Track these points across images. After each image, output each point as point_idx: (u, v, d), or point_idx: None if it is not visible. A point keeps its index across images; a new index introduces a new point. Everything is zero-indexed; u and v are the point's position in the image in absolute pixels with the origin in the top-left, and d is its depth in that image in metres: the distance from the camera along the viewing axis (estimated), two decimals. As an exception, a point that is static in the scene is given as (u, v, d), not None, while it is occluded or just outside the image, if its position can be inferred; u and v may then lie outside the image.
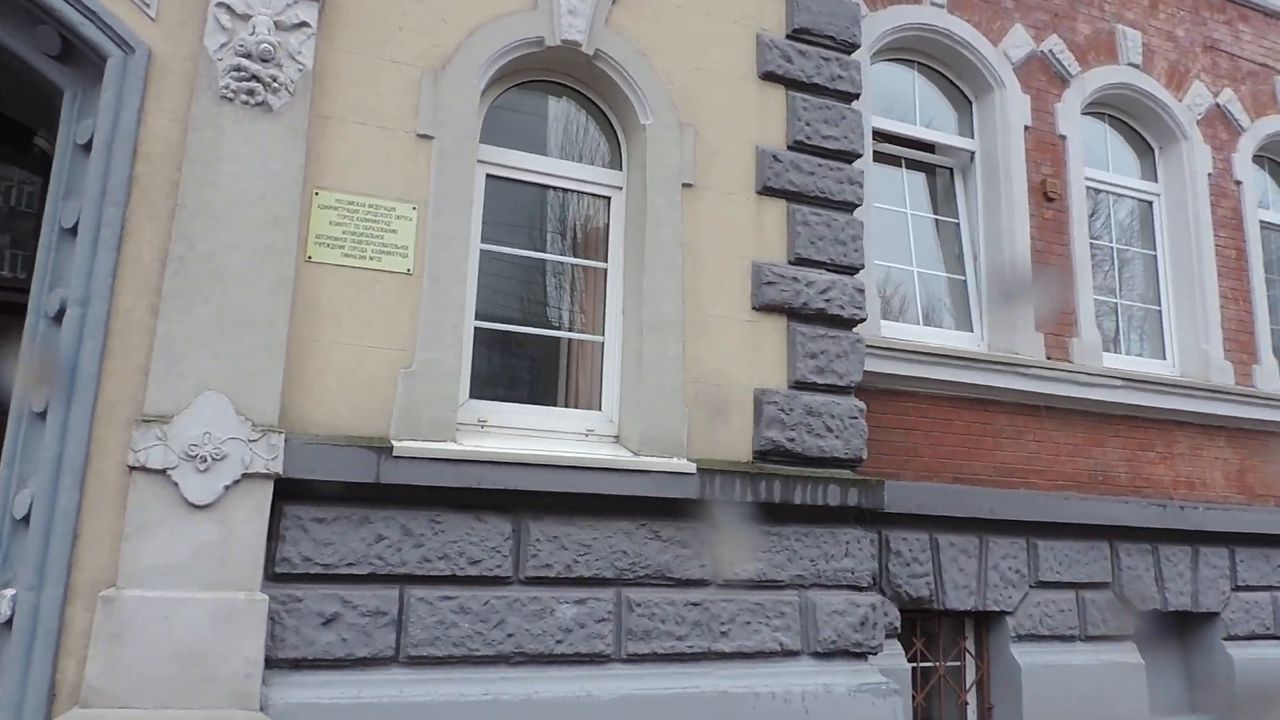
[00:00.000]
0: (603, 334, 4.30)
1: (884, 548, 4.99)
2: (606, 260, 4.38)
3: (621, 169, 4.47)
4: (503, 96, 4.33)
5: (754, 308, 4.34)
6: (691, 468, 3.96)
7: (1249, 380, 6.41)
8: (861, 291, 4.58)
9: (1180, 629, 5.99)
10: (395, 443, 3.50)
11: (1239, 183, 6.78)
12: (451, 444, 3.62)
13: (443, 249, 3.81)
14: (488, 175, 4.22)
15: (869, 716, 4.08)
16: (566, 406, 4.23)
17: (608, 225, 4.42)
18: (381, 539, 3.48)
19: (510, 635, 3.59)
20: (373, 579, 3.44)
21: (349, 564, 3.41)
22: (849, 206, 4.66)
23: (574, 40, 4.16)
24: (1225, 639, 5.91)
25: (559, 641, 3.66)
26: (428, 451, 3.54)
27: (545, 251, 4.43)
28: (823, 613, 4.16)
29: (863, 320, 4.59)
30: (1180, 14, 6.85)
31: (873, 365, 4.93)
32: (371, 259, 3.71)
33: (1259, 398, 6.34)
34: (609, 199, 4.44)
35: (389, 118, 3.83)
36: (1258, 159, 7.09)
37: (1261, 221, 6.96)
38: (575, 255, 4.45)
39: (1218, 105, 6.81)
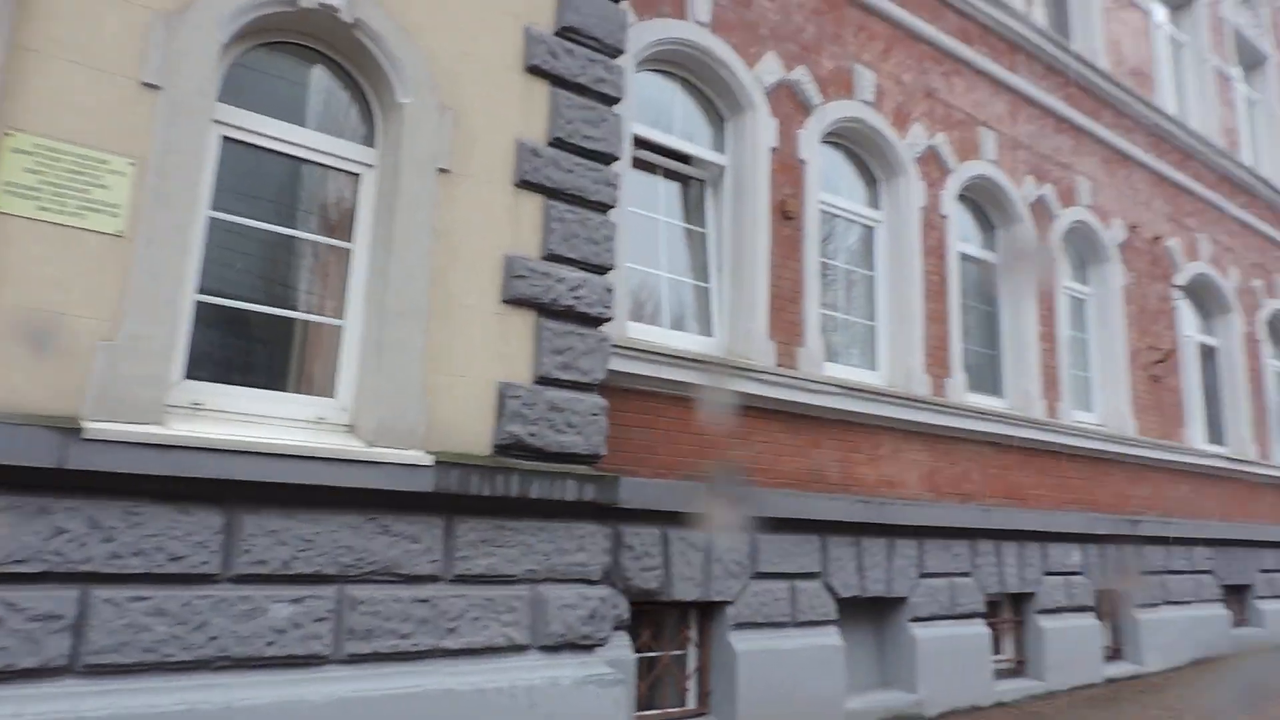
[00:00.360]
0: (343, 318, 4.09)
1: (618, 542, 5.14)
2: (352, 240, 4.17)
3: (375, 147, 4.27)
4: (249, 55, 4.00)
5: (504, 300, 4.31)
6: (428, 460, 3.87)
7: (943, 392, 7.24)
8: (611, 291, 4.68)
9: (875, 613, 6.66)
10: (87, 424, 3.13)
11: (945, 217, 7.64)
12: (156, 427, 3.29)
13: (162, 212, 3.46)
14: (224, 137, 3.88)
15: (592, 707, 4.19)
16: (297, 392, 3.98)
17: (356, 204, 4.21)
18: (62, 532, 3.09)
19: (214, 638, 3.32)
20: (47, 578, 3.05)
21: (18, 561, 3.00)
22: (604, 207, 4.74)
23: (332, 5, 3.93)
24: (911, 620, 6.64)
25: (270, 644, 3.44)
26: (127, 435, 3.19)
27: (285, 226, 4.13)
28: (553, 606, 4.21)
29: (610, 320, 4.69)
30: (908, 61, 7.60)
31: (618, 365, 5.07)
32: (74, 215, 3.30)
33: (950, 407, 7.18)
34: (359, 176, 4.23)
35: (109, 61, 3.42)
36: (962, 197, 8.01)
37: (961, 253, 7.89)
38: (318, 233, 4.20)
39: (932, 147, 7.63)
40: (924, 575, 6.80)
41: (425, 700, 3.72)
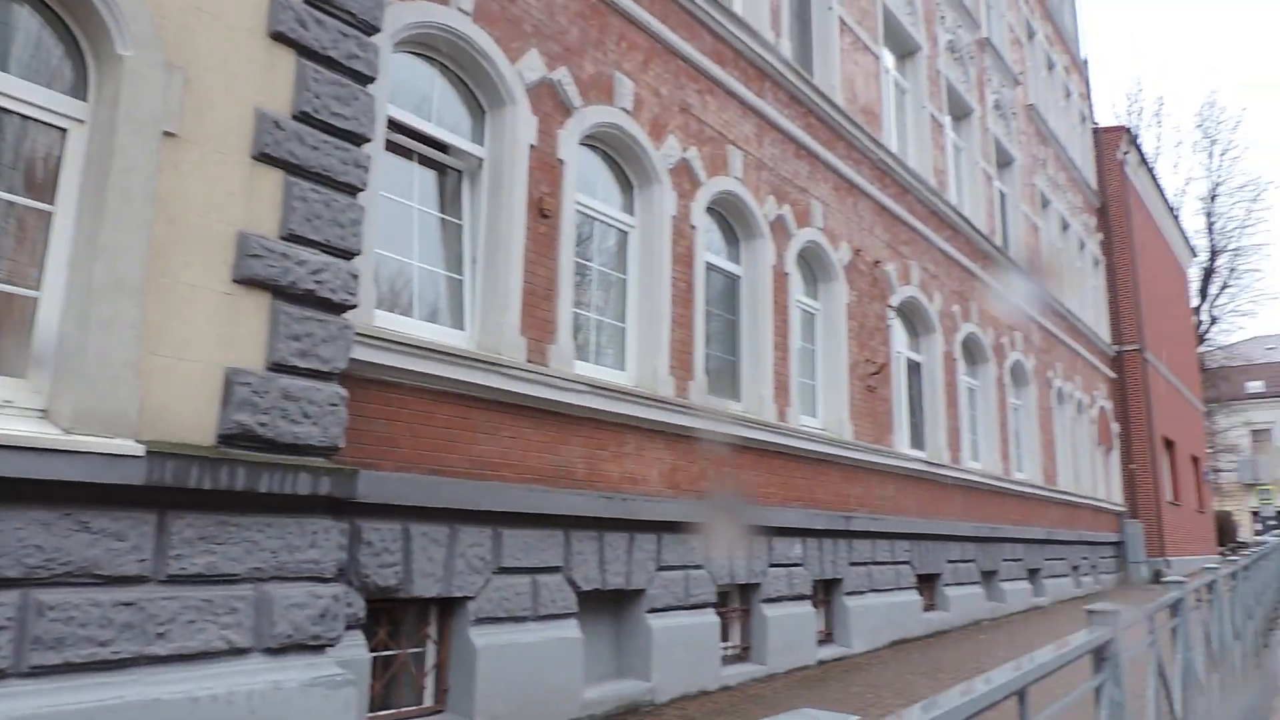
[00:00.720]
0: (39, 289, 3.63)
1: (355, 538, 4.95)
2: (55, 203, 3.72)
3: (87, 100, 3.83)
4: (-76, -23, 3.46)
5: (235, 280, 4.02)
6: (139, 450, 3.53)
7: (686, 393, 7.62)
8: (356, 277, 4.50)
9: (615, 605, 6.87)
10: None
11: (694, 227, 8.04)
12: None
13: None
14: (-110, 70, 3.33)
15: (320, 709, 4.00)
16: (-22, 370, 3.50)
17: (62, 162, 3.76)
18: None
19: None
20: None
21: None
22: (352, 190, 4.55)
23: (34, -67, 3.49)
24: (648, 611, 6.92)
25: (-71, 656, 3.00)
26: None
27: (-32, 179, 3.61)
28: (280, 606, 3.98)
29: (354, 307, 4.51)
30: (665, 75, 7.93)
31: (362, 354, 4.89)
32: None
33: (691, 408, 7.57)
34: (66, 132, 3.78)
35: None
36: (710, 210, 8.47)
37: (708, 262, 8.34)
38: (13, 192, 3.70)
39: (685, 159, 8.01)
40: (661, 568, 7.11)
41: (125, 712, 3.38)
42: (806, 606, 8.88)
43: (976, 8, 16.68)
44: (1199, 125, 36.15)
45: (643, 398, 7.06)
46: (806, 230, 9.85)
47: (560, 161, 6.70)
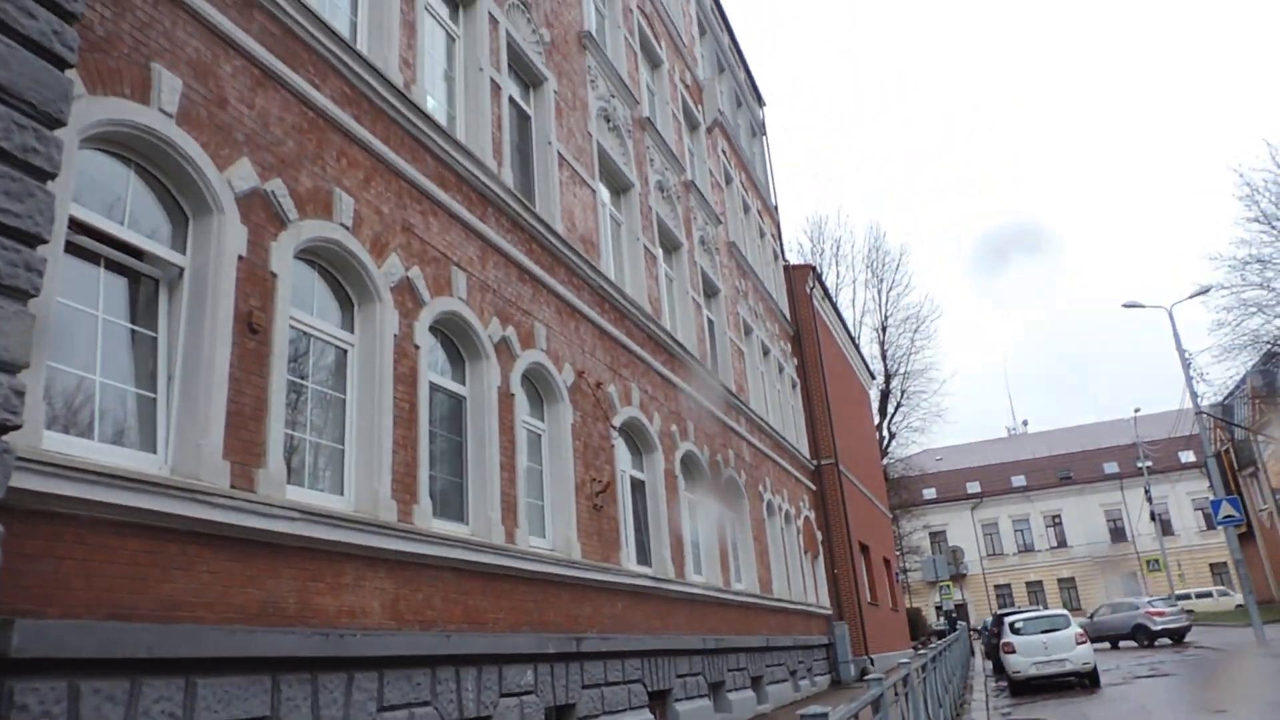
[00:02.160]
0: None
1: (7, 702, 4.15)
2: None
3: None
4: None
5: None
6: None
7: (409, 518, 7.30)
8: (21, 394, 3.92)
9: (329, 757, 6.23)
10: None
11: (418, 347, 7.92)
12: None
13: None
14: None
15: None
16: None
17: None
18: None
19: None
20: None
21: None
22: (22, 295, 4.02)
23: None
24: (368, 761, 6.33)
25: None
26: None
27: None
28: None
29: (17, 427, 3.92)
30: (388, 194, 7.91)
31: (25, 482, 4.24)
32: None
33: (416, 533, 7.25)
34: None
35: None
36: (434, 329, 8.41)
37: (432, 383, 8.21)
38: None
39: (408, 278, 7.94)
40: (384, 709, 6.60)
41: None
42: (540, 736, 8.58)
43: (681, 153, 18.40)
44: (869, 265, 41.50)
45: (362, 523, 6.67)
46: (531, 352, 10.04)
47: (273, 275, 6.38)
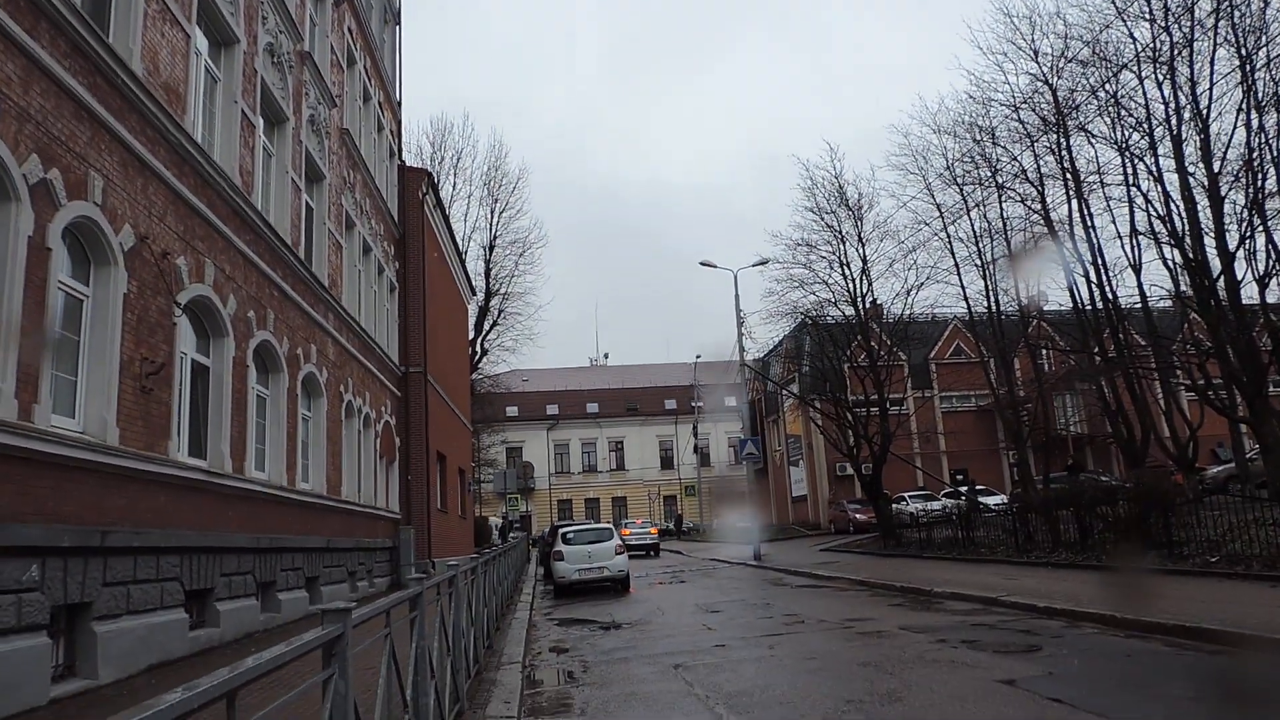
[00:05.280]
0: None
1: None
2: None
3: None
4: None
5: None
6: None
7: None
8: None
9: None
10: None
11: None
12: None
13: None
14: None
15: None
16: None
17: None
18: None
19: None
20: None
21: None
22: None
23: None
24: None
25: None
26: None
27: None
28: None
29: None
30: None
31: None
32: None
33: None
34: None
35: None
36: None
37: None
38: None
39: None
40: None
41: None
42: (39, 638, 7.59)
43: (302, 18, 16.76)
44: (486, 183, 41.52)
45: None
46: (81, 204, 8.60)
47: None
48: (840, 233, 28.38)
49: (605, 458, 71.81)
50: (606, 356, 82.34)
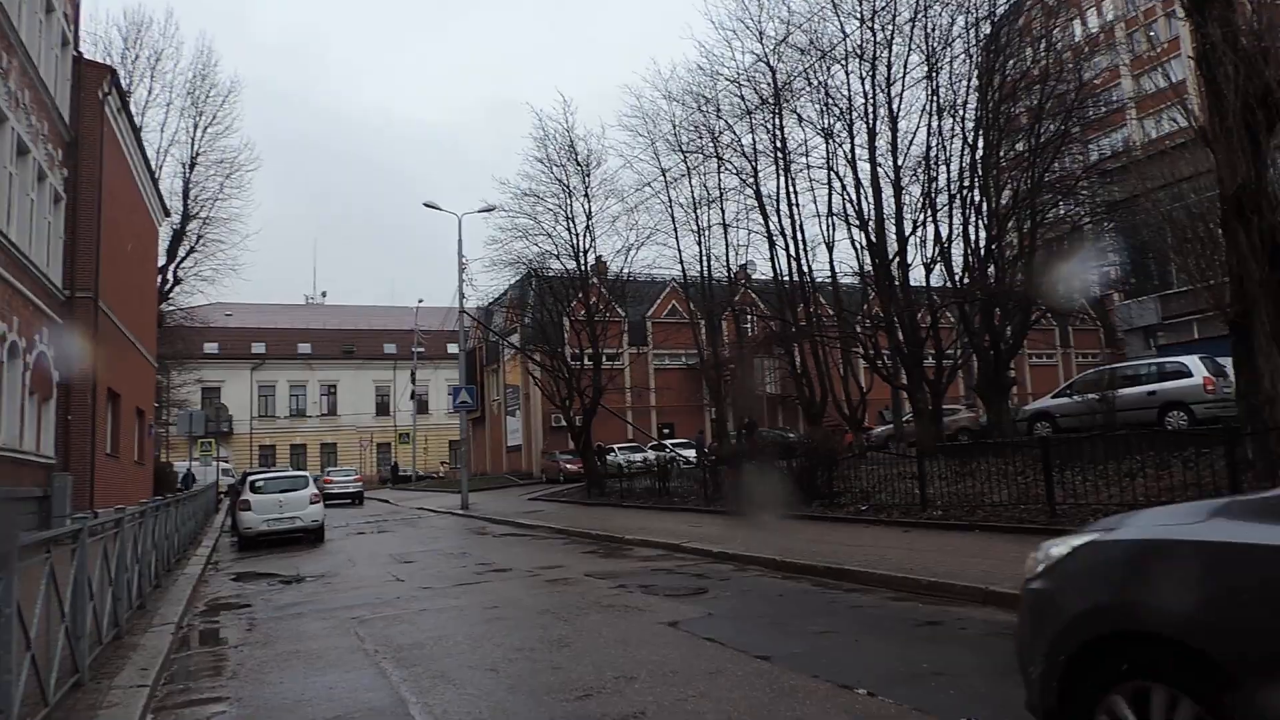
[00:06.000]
0: None
1: None
2: None
3: None
4: None
5: None
6: None
7: None
8: None
9: None
10: None
11: None
12: None
13: None
14: None
15: None
16: None
17: None
18: None
19: None
20: None
21: None
22: None
23: None
24: None
25: None
26: None
27: None
28: None
29: None
30: None
31: None
32: None
33: None
34: None
35: None
36: None
37: None
38: None
39: None
40: None
41: None
42: None
43: None
44: (190, 92, 36.98)
45: None
46: None
47: None
48: (568, 187, 28.55)
49: (316, 402, 67.98)
50: (324, 295, 77.77)
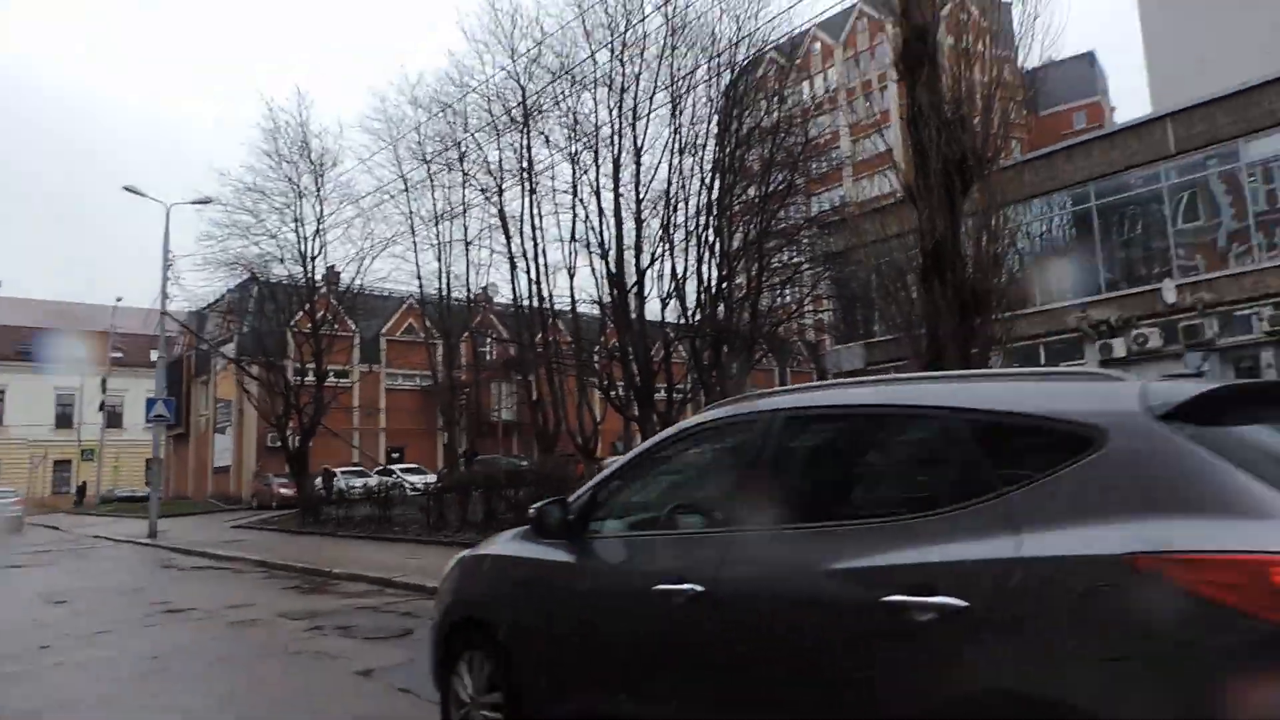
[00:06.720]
0: None
1: None
2: None
3: None
4: None
5: None
6: None
7: None
8: None
9: None
10: None
11: None
12: None
13: None
14: None
15: None
16: None
17: None
18: None
19: None
20: None
21: None
22: None
23: None
24: None
25: None
26: None
27: None
28: None
29: None
30: None
31: None
32: None
33: None
34: None
35: None
36: None
37: None
38: None
39: None
40: None
41: None
42: None
43: None
44: None
45: None
46: None
47: None
48: (298, 186, 26.51)
49: (-23, 410, 58.35)
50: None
